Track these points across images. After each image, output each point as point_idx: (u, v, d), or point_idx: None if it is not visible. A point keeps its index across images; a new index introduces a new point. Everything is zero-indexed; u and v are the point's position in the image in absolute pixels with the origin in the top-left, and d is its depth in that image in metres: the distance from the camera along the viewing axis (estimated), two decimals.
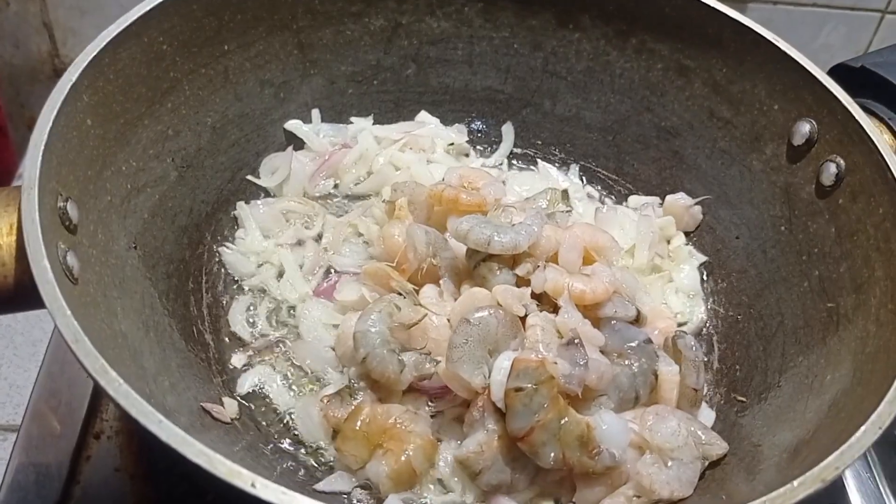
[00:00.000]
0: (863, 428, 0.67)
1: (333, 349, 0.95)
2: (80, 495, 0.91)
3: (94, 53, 0.86)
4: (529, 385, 0.79)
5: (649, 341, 0.92)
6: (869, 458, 1.03)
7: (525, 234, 0.92)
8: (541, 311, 0.91)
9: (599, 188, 1.21)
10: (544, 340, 0.86)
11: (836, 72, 1.08)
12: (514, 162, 1.24)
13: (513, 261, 0.94)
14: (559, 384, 0.81)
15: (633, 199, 1.17)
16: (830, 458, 0.65)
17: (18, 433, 0.98)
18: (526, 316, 0.90)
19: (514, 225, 0.95)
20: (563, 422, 0.79)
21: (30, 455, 0.96)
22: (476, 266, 0.94)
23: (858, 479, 1.01)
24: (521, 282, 0.93)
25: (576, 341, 0.84)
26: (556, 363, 0.81)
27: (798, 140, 1.00)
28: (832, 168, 0.95)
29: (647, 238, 1.07)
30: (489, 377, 0.83)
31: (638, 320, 0.94)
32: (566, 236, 0.96)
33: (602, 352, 0.89)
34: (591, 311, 0.92)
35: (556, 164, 1.22)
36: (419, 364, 0.87)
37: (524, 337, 0.87)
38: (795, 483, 0.63)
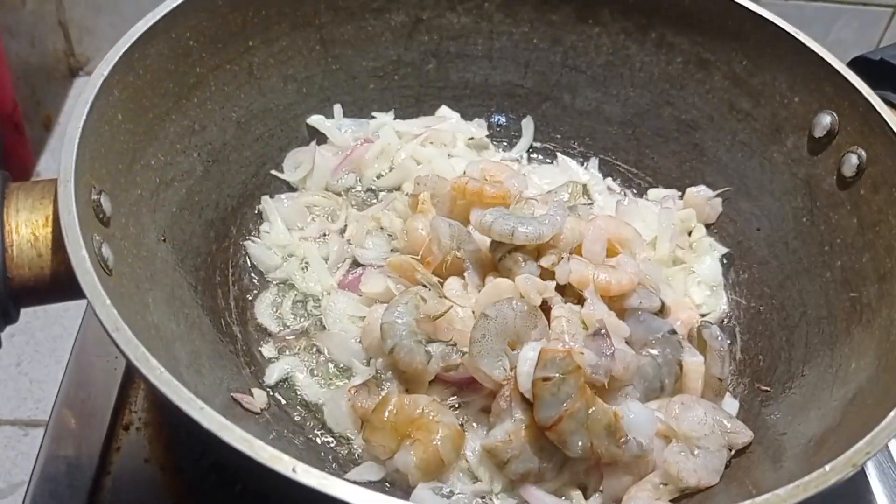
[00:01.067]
0: (892, 412, 0.68)
1: (359, 341, 0.96)
2: (110, 486, 0.92)
3: (125, 49, 0.87)
4: (557, 375, 0.80)
5: (674, 332, 0.92)
6: (890, 448, 1.03)
7: (549, 224, 0.93)
8: (565, 303, 0.92)
9: (619, 182, 1.21)
10: (570, 331, 0.87)
11: (856, 64, 1.08)
12: (534, 156, 1.24)
13: (537, 252, 0.95)
14: (586, 374, 0.81)
15: (653, 192, 1.17)
16: (861, 443, 0.66)
17: (48, 425, 0.99)
18: (549, 307, 0.91)
19: (537, 216, 0.96)
20: (590, 411, 0.80)
21: (60, 447, 0.97)
22: (501, 258, 0.95)
23: (880, 470, 1.02)
24: (546, 273, 0.94)
25: (602, 332, 0.85)
26: (583, 353, 0.82)
27: (819, 132, 1.00)
28: (853, 159, 0.95)
29: (669, 230, 1.07)
30: (509, 369, 0.84)
31: (662, 311, 0.95)
32: (590, 228, 0.97)
33: (627, 342, 0.90)
34: (615, 303, 0.93)
35: (576, 158, 1.23)
36: (445, 355, 0.88)
37: (546, 327, 0.87)
38: (827, 468, 0.64)
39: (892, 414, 0.68)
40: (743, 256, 1.09)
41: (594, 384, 0.82)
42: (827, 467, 0.64)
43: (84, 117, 0.80)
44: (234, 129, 1.06)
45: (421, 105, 1.23)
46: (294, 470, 0.59)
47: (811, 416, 0.84)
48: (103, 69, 0.85)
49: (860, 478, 1.01)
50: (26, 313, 0.83)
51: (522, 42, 1.20)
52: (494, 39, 1.20)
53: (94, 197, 0.79)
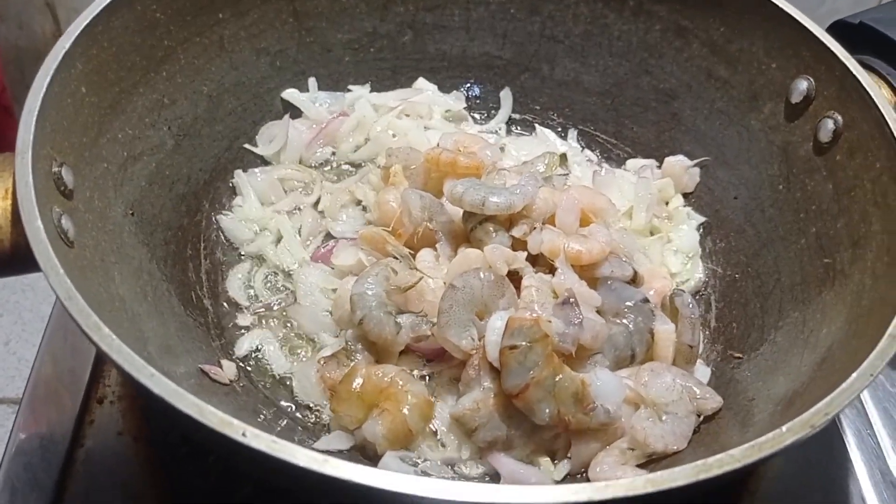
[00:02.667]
0: (854, 375, 0.67)
1: (330, 313, 0.95)
2: (83, 458, 0.92)
3: (87, 21, 0.87)
4: (524, 343, 0.79)
5: (646, 300, 0.92)
6: (868, 415, 1.03)
7: (520, 194, 0.92)
8: (536, 273, 0.91)
9: (598, 152, 1.20)
10: (539, 300, 0.86)
11: (836, 28, 1.07)
12: (513, 128, 1.23)
13: (509, 222, 0.94)
14: (554, 343, 0.81)
15: (632, 163, 1.16)
16: (820, 403, 0.65)
17: (21, 399, 0.99)
18: (518, 276, 0.90)
19: (508, 187, 0.95)
20: (557, 379, 0.79)
21: (35, 420, 0.97)
22: (473, 229, 0.94)
23: (858, 437, 1.01)
24: (518, 244, 0.94)
25: (571, 301, 0.84)
26: (550, 321, 0.81)
27: (796, 98, 0.99)
28: (830, 125, 0.94)
29: (645, 200, 1.06)
30: (477, 339, 0.84)
31: (635, 280, 0.94)
32: (563, 198, 0.96)
33: (598, 311, 0.89)
34: (587, 272, 0.92)
35: (555, 129, 1.22)
36: (415, 326, 0.88)
37: (514, 296, 0.87)
38: (784, 429, 0.63)
39: (853, 375, 0.67)
40: (720, 225, 1.08)
41: (562, 352, 0.81)
42: (783, 428, 0.63)
43: (44, 90, 0.80)
44: (205, 103, 1.06)
45: (397, 77, 1.22)
46: (244, 434, 0.58)
47: (780, 381, 0.84)
48: (65, 42, 0.85)
49: (838, 444, 1.01)
50: (14, 292, 0.83)
51: (500, 12, 1.19)
52: (471, 10, 1.19)
53: (56, 169, 0.79)
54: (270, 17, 1.10)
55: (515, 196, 0.92)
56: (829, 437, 1.00)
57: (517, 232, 0.93)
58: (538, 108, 1.23)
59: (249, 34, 1.09)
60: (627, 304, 0.91)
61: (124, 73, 0.93)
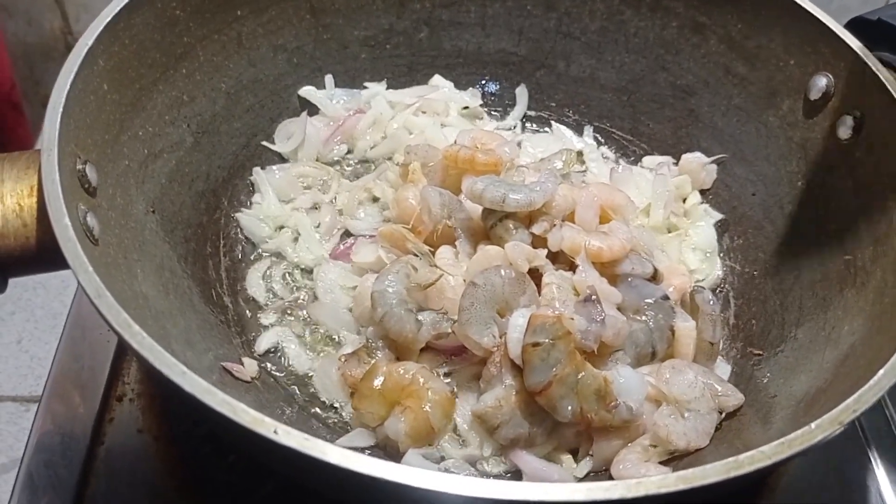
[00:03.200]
0: (881, 371, 0.67)
1: (350, 311, 0.95)
2: (104, 456, 0.92)
3: (109, 18, 0.86)
4: (546, 340, 0.80)
5: (666, 297, 0.92)
6: (886, 412, 1.03)
7: (540, 191, 0.92)
8: (557, 270, 0.91)
9: (614, 149, 1.20)
10: (560, 298, 0.87)
11: (853, 25, 1.06)
12: (529, 125, 1.23)
13: (529, 220, 0.94)
14: (576, 340, 0.81)
15: (648, 160, 1.16)
16: (848, 400, 0.65)
17: (41, 397, 0.99)
18: (539, 274, 0.90)
19: (528, 184, 0.95)
20: (580, 376, 0.80)
21: (54, 418, 0.97)
22: (492, 226, 0.94)
23: (876, 433, 1.01)
24: (538, 241, 0.94)
25: (593, 298, 0.84)
26: (573, 318, 0.81)
27: (815, 94, 0.99)
28: (849, 121, 0.94)
29: (663, 197, 1.06)
30: (498, 336, 0.84)
31: (655, 277, 0.94)
32: (582, 195, 0.96)
33: (619, 309, 0.89)
34: (608, 269, 0.92)
35: (571, 126, 1.22)
36: (436, 323, 0.88)
37: (535, 293, 0.87)
38: (813, 426, 0.63)
39: (881, 372, 0.67)
40: (738, 222, 1.08)
41: (584, 350, 0.81)
42: (812, 425, 0.63)
43: (68, 87, 0.80)
44: (223, 100, 1.06)
45: (414, 74, 1.22)
46: (276, 432, 0.58)
47: (802, 378, 0.84)
48: (87, 39, 0.84)
49: (856, 440, 1.01)
50: (26, 290, 0.83)
51: (516, 9, 1.19)
52: (487, 6, 1.19)
53: (80, 167, 0.79)
54: (288, 14, 1.10)
55: (535, 193, 0.92)
56: (851, 439, 1.00)
57: (537, 229, 0.93)
58: (554, 104, 1.23)
59: (267, 31, 1.09)
60: (648, 301, 0.91)
61: (145, 71, 0.93)
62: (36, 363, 1.60)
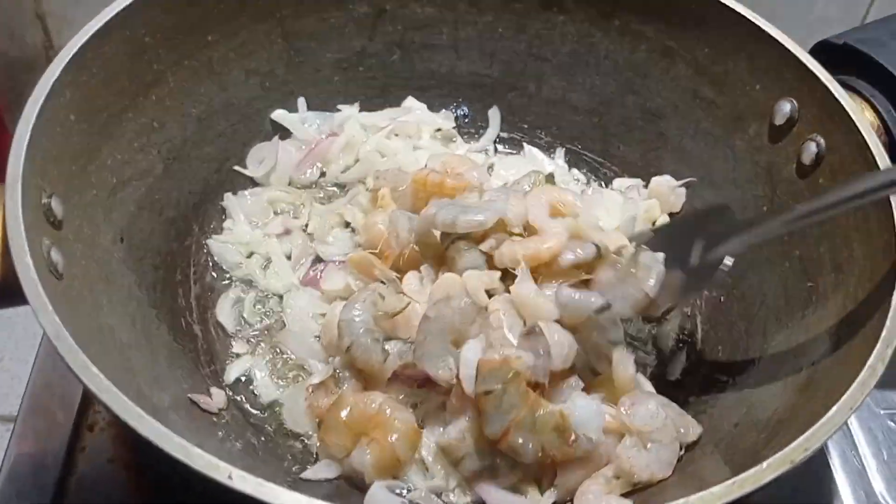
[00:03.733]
0: (833, 409, 0.68)
1: (318, 339, 0.96)
2: (75, 486, 0.93)
3: (76, 49, 0.87)
4: (498, 387, 0.79)
5: (603, 308, 0.88)
6: (853, 436, 1.04)
7: (490, 210, 0.92)
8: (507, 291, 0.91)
9: (585, 171, 1.21)
10: (508, 323, 0.86)
11: (820, 49, 1.07)
12: (501, 147, 1.24)
13: (482, 238, 0.94)
14: (527, 376, 0.81)
15: (618, 182, 1.17)
16: (800, 439, 0.66)
17: (14, 424, 1.00)
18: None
19: (479, 203, 0.95)
20: (537, 415, 0.80)
21: (27, 446, 0.97)
22: (447, 248, 0.94)
23: (843, 458, 1.03)
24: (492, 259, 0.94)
25: (536, 330, 0.84)
26: (520, 357, 0.81)
27: (779, 119, 1.00)
28: (813, 147, 0.95)
29: (631, 221, 1.07)
30: (455, 368, 0.83)
31: (599, 254, 0.92)
32: (529, 198, 0.96)
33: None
34: (552, 266, 0.91)
35: (543, 148, 1.23)
36: (403, 353, 0.88)
37: (487, 320, 0.87)
38: (764, 465, 0.64)
39: (832, 410, 0.68)
40: None
41: (537, 383, 0.82)
42: (764, 464, 0.64)
43: (33, 120, 0.80)
44: (194, 126, 1.06)
45: (387, 96, 1.22)
46: (230, 477, 0.59)
47: (764, 406, 0.85)
48: (53, 70, 0.84)
49: (822, 465, 1.02)
50: (6, 310, 0.83)
51: (487, 31, 1.19)
52: (459, 29, 1.19)
53: (45, 200, 0.79)
54: (260, 38, 1.10)
55: (486, 213, 0.91)
56: (814, 458, 1.00)
57: (484, 247, 0.93)
58: (526, 126, 1.24)
59: (239, 55, 1.09)
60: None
61: (113, 99, 0.93)
62: (17, 383, 1.60)
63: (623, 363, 0.85)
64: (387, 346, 0.88)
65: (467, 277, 0.89)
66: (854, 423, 1.05)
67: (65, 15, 2.20)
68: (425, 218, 0.93)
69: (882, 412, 1.08)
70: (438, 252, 0.96)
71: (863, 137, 0.89)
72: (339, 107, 1.20)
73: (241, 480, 0.59)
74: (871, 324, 0.78)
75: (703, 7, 1.05)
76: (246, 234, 1.06)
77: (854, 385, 0.70)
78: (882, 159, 0.87)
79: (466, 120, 1.25)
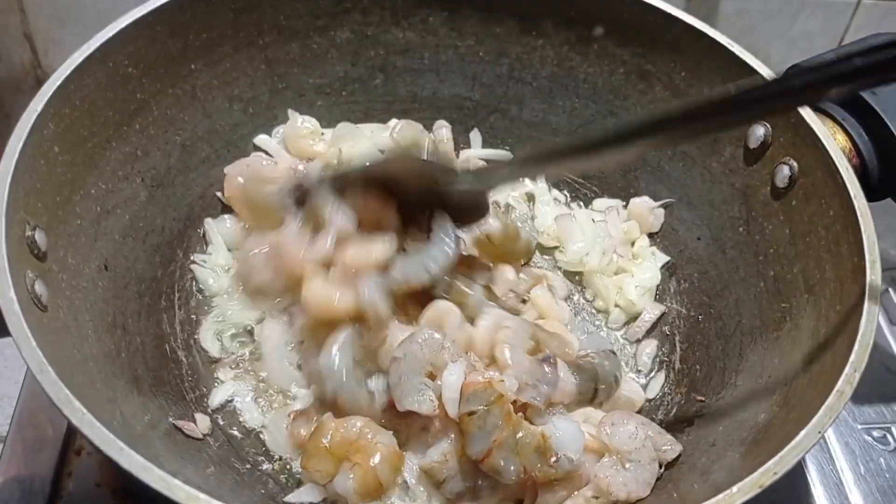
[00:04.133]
0: (802, 433, 0.70)
1: (299, 366, 0.97)
2: None
3: (59, 83, 0.88)
4: (481, 407, 0.81)
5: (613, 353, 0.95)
6: (831, 450, 1.06)
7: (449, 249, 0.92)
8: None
9: (566, 191, 1.23)
10: (514, 343, 0.89)
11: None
12: None
13: (467, 267, 0.97)
14: (520, 397, 0.83)
15: (599, 202, 1.19)
16: (769, 462, 0.68)
17: (3, 447, 1.01)
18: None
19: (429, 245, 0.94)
20: (518, 436, 0.81)
21: (15, 470, 0.98)
22: (445, 294, 0.95)
23: (821, 471, 1.04)
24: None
25: (551, 359, 0.87)
26: (503, 381, 0.83)
27: (753, 143, 1.02)
28: (785, 170, 0.97)
29: (600, 244, 1.09)
30: (435, 399, 0.85)
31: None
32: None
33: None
34: None
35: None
36: (387, 391, 0.88)
37: (458, 347, 0.88)
38: (734, 489, 0.66)
39: (801, 434, 0.70)
40: (684, 265, 1.11)
41: (524, 405, 0.83)
42: (734, 488, 0.66)
43: (17, 154, 0.81)
44: (178, 153, 1.07)
45: (370, 120, 1.23)
46: None
47: (740, 426, 0.86)
48: (36, 104, 0.86)
49: (800, 479, 1.03)
50: None
51: (468, 55, 1.21)
52: (441, 53, 1.21)
53: (29, 233, 0.80)
54: (243, 66, 1.12)
55: (449, 249, 0.92)
56: (792, 472, 1.02)
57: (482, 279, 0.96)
58: (507, 148, 1.25)
59: (222, 83, 1.11)
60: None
61: (97, 129, 0.95)
62: (6, 402, 1.60)
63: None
64: (370, 387, 0.88)
65: (483, 329, 0.91)
66: (831, 438, 1.07)
67: (52, 35, 2.21)
68: (397, 284, 0.91)
69: (859, 426, 1.10)
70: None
71: (833, 161, 0.91)
72: (323, 131, 1.21)
73: None
74: (840, 347, 0.80)
75: (677, 32, 1.07)
76: (225, 258, 1.06)
77: (821, 410, 0.72)
78: (851, 183, 0.89)
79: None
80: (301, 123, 1.16)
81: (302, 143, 1.15)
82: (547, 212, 1.16)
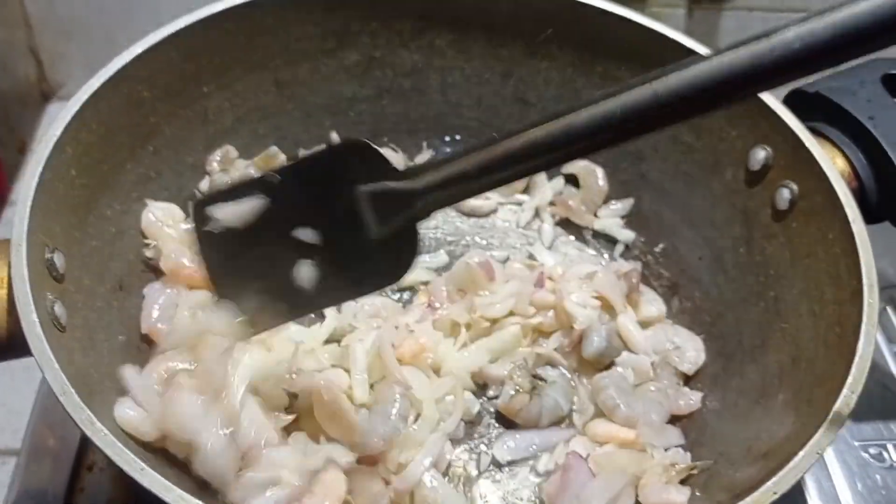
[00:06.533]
0: (801, 453, 0.72)
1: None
2: None
3: (77, 108, 0.90)
4: None
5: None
6: (828, 468, 1.08)
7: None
8: None
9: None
10: None
11: (793, 97, 1.11)
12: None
13: None
14: None
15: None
16: (768, 483, 0.70)
17: (17, 464, 1.02)
18: None
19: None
20: None
21: (27, 485, 1.00)
22: None
23: (819, 488, 1.06)
24: None
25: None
26: None
27: (755, 165, 1.04)
28: (786, 193, 0.99)
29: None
30: None
31: None
32: None
33: None
34: None
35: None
36: None
37: None
38: None
39: (799, 455, 0.72)
40: (686, 285, 1.13)
41: None
42: None
43: (37, 179, 0.83)
44: (190, 173, 1.10)
45: (378, 139, 1.26)
46: None
47: (740, 444, 0.88)
48: (56, 129, 0.88)
49: (798, 496, 1.05)
50: None
51: (474, 77, 1.23)
52: (447, 75, 1.23)
53: (48, 255, 0.82)
54: (253, 88, 1.14)
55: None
56: (790, 489, 1.04)
57: None
58: None
59: (233, 105, 1.13)
60: None
61: (112, 152, 0.97)
62: (13, 416, 1.61)
63: None
64: None
65: None
66: (829, 455, 1.08)
67: (57, 49, 2.23)
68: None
69: (857, 444, 1.11)
70: None
71: (831, 185, 0.93)
72: None
73: None
74: (838, 369, 0.82)
75: (680, 56, 1.09)
76: None
77: (819, 432, 0.74)
78: (850, 207, 0.91)
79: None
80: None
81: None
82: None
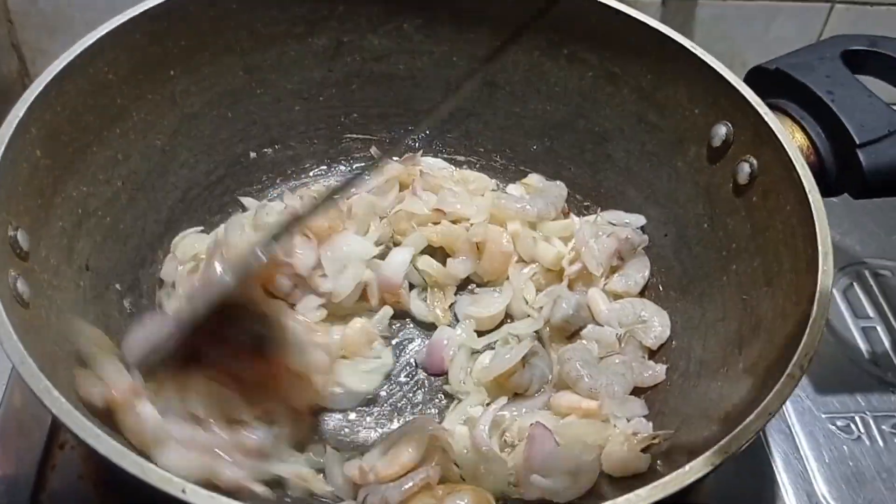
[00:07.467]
0: (752, 414, 0.73)
1: None
2: (47, 502, 0.96)
3: (40, 89, 0.90)
4: None
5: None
6: (796, 439, 1.09)
7: None
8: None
9: None
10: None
11: (755, 74, 1.12)
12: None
13: None
14: None
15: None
16: (722, 442, 0.70)
17: None
18: None
19: None
20: None
21: (1, 465, 1.01)
22: None
23: (786, 460, 1.07)
24: None
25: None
26: None
27: (716, 142, 1.05)
28: (746, 168, 1.00)
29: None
30: None
31: None
32: None
33: None
34: None
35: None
36: None
37: None
38: (686, 467, 0.68)
39: (751, 415, 0.73)
40: (653, 262, 1.14)
41: None
42: (686, 467, 0.68)
43: None
44: (158, 157, 1.10)
45: (347, 124, 1.27)
46: (183, 491, 0.63)
47: (701, 415, 0.89)
48: (18, 110, 0.88)
49: (766, 468, 1.06)
50: None
51: (443, 61, 1.24)
52: (416, 59, 1.24)
53: (11, 233, 0.83)
54: (222, 72, 1.15)
55: None
56: (758, 461, 1.06)
57: None
58: (482, 150, 1.29)
59: (201, 88, 1.13)
60: None
61: (78, 134, 0.97)
62: None
63: None
64: None
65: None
66: (796, 426, 1.10)
67: (40, 45, 2.24)
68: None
69: (823, 416, 1.13)
70: None
71: (790, 158, 0.94)
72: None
73: (193, 494, 0.63)
74: (795, 336, 0.83)
75: (644, 37, 1.10)
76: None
77: (773, 391, 0.75)
78: (806, 178, 0.92)
79: (417, 144, 1.29)
80: None
81: None
82: None
